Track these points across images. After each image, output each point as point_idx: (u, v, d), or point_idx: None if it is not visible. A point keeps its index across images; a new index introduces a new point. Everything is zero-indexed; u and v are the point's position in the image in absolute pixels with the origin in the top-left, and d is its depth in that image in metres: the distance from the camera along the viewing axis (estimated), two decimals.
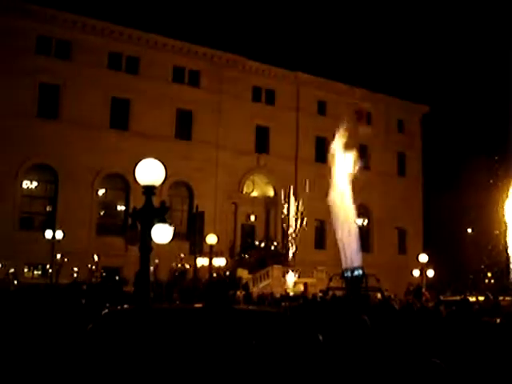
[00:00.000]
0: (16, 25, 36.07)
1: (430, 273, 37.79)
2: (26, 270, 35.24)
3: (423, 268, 35.24)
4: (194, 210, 31.65)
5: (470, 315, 10.37)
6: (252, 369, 6.49)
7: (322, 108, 48.09)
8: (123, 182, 38.64)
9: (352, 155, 30.16)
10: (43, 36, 37.62)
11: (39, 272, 35.47)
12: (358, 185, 28.31)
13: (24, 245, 33.24)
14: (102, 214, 40.16)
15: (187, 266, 33.79)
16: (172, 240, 8.76)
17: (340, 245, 28.12)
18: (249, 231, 45.53)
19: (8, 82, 35.46)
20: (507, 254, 30.93)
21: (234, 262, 40.75)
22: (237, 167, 43.45)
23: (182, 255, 30.83)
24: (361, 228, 33.09)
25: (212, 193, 41.62)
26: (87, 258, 33.58)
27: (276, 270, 40.02)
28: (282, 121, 45.84)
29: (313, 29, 41.66)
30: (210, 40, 41.50)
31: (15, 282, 27.81)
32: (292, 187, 44.53)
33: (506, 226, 30.21)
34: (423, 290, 30.30)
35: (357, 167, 30.24)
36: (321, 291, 24.56)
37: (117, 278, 34.67)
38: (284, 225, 43.48)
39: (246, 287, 31.13)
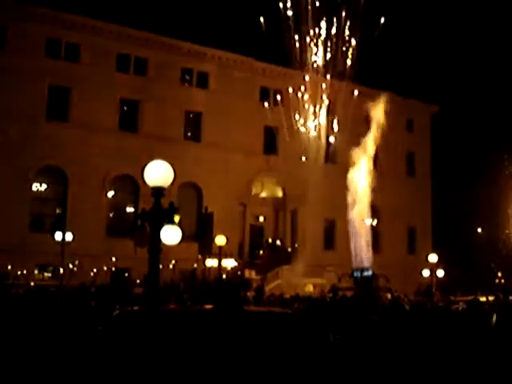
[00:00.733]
0: (25, 28, 36.29)
1: (440, 273, 37.60)
2: (36, 271, 35.36)
3: (433, 268, 35.10)
4: (203, 211, 31.75)
5: (481, 315, 10.30)
6: (263, 369, 6.47)
7: (329, 108, 47.86)
8: (132, 184, 38.70)
9: (366, 158, 30.15)
10: (52, 39, 37.79)
11: (49, 274, 35.59)
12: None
13: (34, 247, 33.39)
14: (111, 215, 40.27)
15: (195, 266, 33.85)
16: (181, 241, 8.76)
17: (351, 245, 28.15)
18: (258, 232, 45.51)
19: (18, 84, 35.63)
20: None
21: (244, 263, 40.71)
22: (245, 168, 43.43)
23: (199, 256, 30.75)
24: (370, 228, 33.03)
25: (221, 194, 41.61)
26: (97, 259, 33.68)
27: (286, 270, 40.00)
28: (291, 121, 45.71)
29: (320, 28, 41.53)
30: (217, 42, 41.54)
31: (31, 284, 27.89)
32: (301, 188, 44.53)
33: None
34: (433, 290, 30.20)
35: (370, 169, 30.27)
36: (330, 291, 24.51)
37: (125, 275, 34.71)
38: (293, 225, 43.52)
39: (259, 289, 30.93)
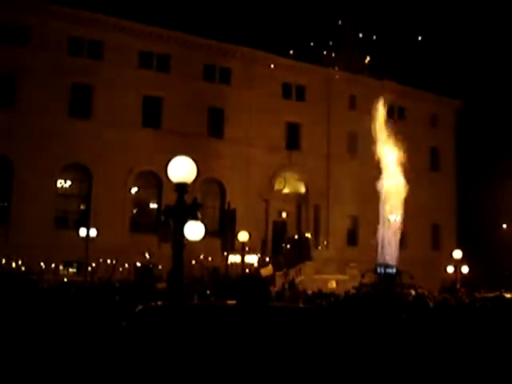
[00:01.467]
0: (49, 26, 36.64)
1: (465, 269, 37.29)
2: (61, 267, 35.71)
3: (457, 264, 34.82)
4: (226, 207, 31.82)
5: (506, 311, 10.20)
6: (288, 365, 6.47)
7: (353, 103, 47.73)
8: (156, 180, 38.90)
9: (396, 152, 29.99)
10: (75, 37, 38.09)
11: (74, 270, 35.94)
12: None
13: (59, 243, 33.73)
14: (134, 211, 40.51)
15: (218, 262, 33.89)
16: (204, 237, 8.79)
17: (379, 240, 28.04)
18: (280, 228, 45.47)
19: (41, 82, 36.01)
20: None
21: (269, 259, 40.64)
22: (268, 164, 43.40)
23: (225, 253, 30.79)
24: (395, 224, 32.85)
25: (244, 190, 41.65)
26: (121, 255, 33.91)
27: (308, 267, 39.91)
28: (313, 117, 45.62)
29: (343, 22, 41.31)
30: (239, 37, 41.50)
31: (56, 279, 28.14)
32: (324, 184, 44.46)
33: None
34: (458, 286, 29.96)
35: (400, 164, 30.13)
36: (354, 288, 24.39)
37: (149, 270, 34.88)
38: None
39: (291, 285, 30.72)
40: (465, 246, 40.04)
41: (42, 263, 30.05)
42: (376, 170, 34.28)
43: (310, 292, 26.47)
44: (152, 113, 40.37)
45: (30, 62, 35.96)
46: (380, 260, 27.45)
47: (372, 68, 42.09)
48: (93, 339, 8.41)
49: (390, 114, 49.68)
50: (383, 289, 20.96)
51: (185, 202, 7.24)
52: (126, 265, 33.96)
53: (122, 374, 6.98)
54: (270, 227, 44.42)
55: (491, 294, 19.32)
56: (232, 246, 27.03)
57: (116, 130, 38.12)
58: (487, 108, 54.06)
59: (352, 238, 46.69)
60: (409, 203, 47.23)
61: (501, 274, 44.42)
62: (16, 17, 35.92)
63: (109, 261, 32.34)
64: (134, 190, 40.18)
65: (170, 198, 7.67)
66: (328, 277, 38.29)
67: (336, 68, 44.26)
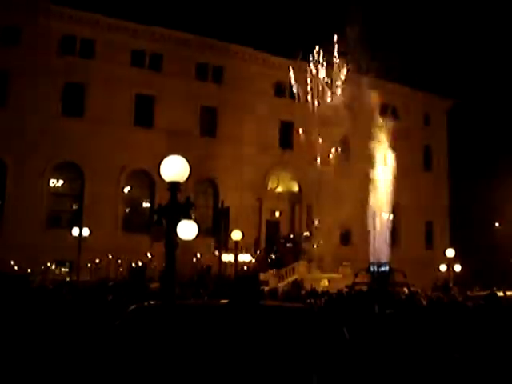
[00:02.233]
0: (40, 25, 36.50)
1: (458, 268, 37.45)
2: (53, 267, 35.60)
3: (450, 263, 34.95)
4: (219, 206, 31.81)
5: (499, 310, 10.22)
6: (279, 364, 6.47)
7: (346, 102, 47.64)
8: (148, 179, 38.85)
9: (389, 151, 30.08)
10: (67, 36, 37.96)
11: (67, 269, 35.84)
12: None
13: (51, 242, 33.64)
14: (127, 211, 40.44)
15: (211, 261, 33.89)
16: (197, 236, 8.77)
17: (370, 239, 28.10)
18: (274, 227, 45.47)
19: (33, 81, 35.86)
20: None
21: (260, 258, 40.64)
22: (261, 163, 43.39)
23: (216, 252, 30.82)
24: (387, 223, 32.91)
25: (237, 189, 41.63)
26: (113, 255, 33.84)
27: (301, 265, 39.95)
28: (306, 116, 45.55)
29: (333, 21, 41.36)
30: (232, 36, 41.44)
31: (48, 279, 28.08)
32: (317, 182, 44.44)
33: None
34: (451, 285, 30.06)
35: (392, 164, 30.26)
36: (346, 286, 24.42)
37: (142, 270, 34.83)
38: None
39: (298, 284, 30.64)
40: (457, 245, 40.18)
41: (34, 263, 29.97)
42: (369, 169, 34.31)
43: (303, 291, 26.52)
44: (144, 111, 40.30)
45: (21, 61, 35.82)
46: (373, 259, 27.46)
47: (365, 67, 42.07)
48: (85, 339, 8.39)
49: (383, 112, 49.79)
50: (376, 287, 20.99)
51: (177, 201, 7.22)
52: (119, 263, 33.91)
53: (115, 374, 6.97)
54: (264, 226, 44.43)
55: (483, 293, 19.39)
56: (225, 245, 27.01)
57: (108, 129, 38.03)
58: (479, 107, 54.26)
59: (345, 237, 46.74)
60: (402, 202, 47.45)
61: (493, 272, 44.59)
62: (7, 16, 35.78)
63: (99, 260, 32.36)
64: (126, 189, 40.11)
65: (162, 197, 7.66)
66: (321, 276, 38.36)
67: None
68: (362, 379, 6.91)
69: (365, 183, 35.23)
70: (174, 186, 7.24)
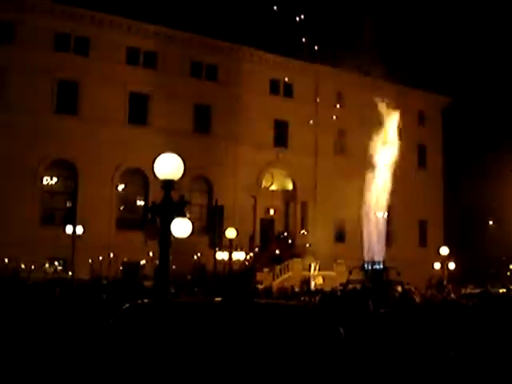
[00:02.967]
0: (34, 22, 36.32)
1: (452, 265, 37.57)
2: (47, 265, 35.50)
3: (444, 261, 35.03)
4: (214, 204, 31.77)
5: (492, 307, 10.26)
6: (273, 362, 6.46)
7: (341, 100, 47.76)
8: (142, 177, 38.79)
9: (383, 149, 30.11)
10: (61, 33, 37.81)
11: (60, 267, 35.75)
12: None
13: (45, 240, 33.55)
14: (121, 208, 40.38)
15: (206, 259, 33.90)
16: (191, 234, 8.76)
17: (364, 237, 28.10)
18: (268, 225, 45.51)
19: (27, 78, 35.71)
20: None
21: (254, 256, 40.67)
22: (256, 161, 43.37)
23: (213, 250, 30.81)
24: (382, 221, 32.95)
25: (231, 187, 41.61)
26: (107, 252, 33.79)
27: (296, 263, 40.01)
28: (301, 114, 45.61)
29: (329, 20, 41.35)
30: (227, 34, 41.37)
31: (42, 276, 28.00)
32: (312, 181, 44.54)
33: None
34: (445, 282, 30.14)
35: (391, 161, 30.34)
36: (341, 284, 24.47)
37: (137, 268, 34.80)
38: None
39: (306, 283, 30.64)
40: (451, 243, 40.29)
41: (28, 260, 29.90)
42: (363, 167, 34.29)
43: (297, 288, 26.57)
44: (139, 109, 40.19)
45: (15, 59, 35.64)
46: (367, 257, 27.50)
47: (359, 65, 42.12)
48: (79, 337, 8.37)
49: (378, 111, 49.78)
50: (370, 285, 21.03)
51: (171, 199, 7.20)
52: (114, 261, 33.84)
53: (109, 373, 6.95)
54: (258, 224, 44.44)
55: (477, 290, 19.47)
56: (220, 242, 27.00)
57: (102, 127, 37.92)
58: (474, 105, 54.37)
59: (339, 235, 46.79)
60: (396, 200, 47.49)
61: (487, 269, 44.74)
62: (0, 13, 35.58)
63: (93, 258, 32.30)
64: (120, 187, 40.02)
65: (156, 195, 7.64)
66: (315, 273, 38.42)
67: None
68: (357, 377, 6.91)
69: (359, 181, 35.21)
70: (168, 183, 7.22)
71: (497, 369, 7.17)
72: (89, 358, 7.28)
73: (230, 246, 24.74)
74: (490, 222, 55.50)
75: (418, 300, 16.33)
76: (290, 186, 46.62)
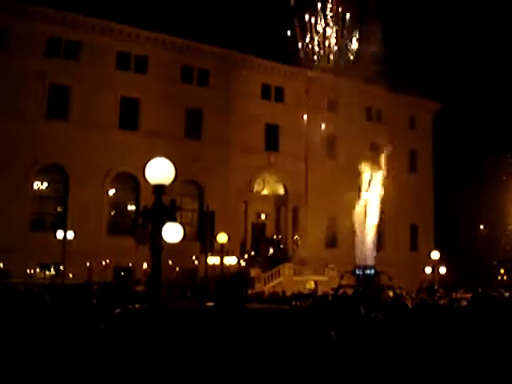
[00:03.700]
0: (26, 27, 36.22)
1: (443, 270, 37.66)
2: (38, 270, 35.35)
3: (435, 265, 35.10)
4: (205, 209, 31.73)
5: (484, 311, 10.26)
6: (264, 366, 6.45)
7: (332, 106, 47.89)
8: (133, 182, 38.72)
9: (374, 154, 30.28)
10: (52, 37, 37.73)
11: (51, 272, 35.60)
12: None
13: (36, 245, 33.40)
14: (112, 213, 40.27)
15: (197, 264, 33.87)
16: (183, 239, 8.73)
17: (356, 241, 28.18)
18: (259, 230, 45.51)
19: (18, 83, 35.58)
20: None
21: (245, 261, 40.66)
22: (247, 166, 43.38)
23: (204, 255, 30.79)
24: (373, 225, 33.04)
25: (222, 192, 41.58)
26: (98, 257, 33.68)
27: (287, 268, 40.02)
28: (292, 119, 45.69)
29: (319, 25, 41.47)
30: (218, 39, 41.40)
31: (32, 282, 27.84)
32: (303, 185, 44.59)
33: None
34: (436, 287, 30.18)
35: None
36: (332, 289, 24.47)
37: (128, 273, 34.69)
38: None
39: (314, 292, 30.53)
40: (442, 247, 40.41)
41: (18, 266, 29.73)
42: (354, 172, 34.40)
43: (289, 293, 26.53)
44: (129, 114, 40.13)
45: (6, 63, 35.51)
46: (359, 261, 27.55)
47: (351, 71, 42.24)
48: (71, 343, 8.32)
49: (368, 116, 50.08)
50: (362, 290, 21.02)
51: (162, 204, 7.18)
52: (105, 266, 33.74)
53: (101, 378, 6.92)
54: (249, 229, 44.43)
55: (468, 295, 19.49)
56: (211, 247, 26.95)
57: (93, 132, 37.83)
58: (465, 110, 54.65)
59: (331, 240, 46.85)
60: (387, 205, 47.63)
61: (478, 274, 44.88)
62: None
63: (84, 263, 32.17)
64: (111, 191, 39.92)
65: (147, 199, 7.61)
66: (307, 278, 38.45)
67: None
68: (348, 380, 6.91)
69: (351, 186, 35.29)
70: (159, 188, 7.20)
71: (494, 374, 7.17)
72: (80, 365, 7.25)
73: (222, 251, 24.67)
74: (481, 227, 55.74)
75: (409, 304, 16.33)
76: (282, 191, 46.66)
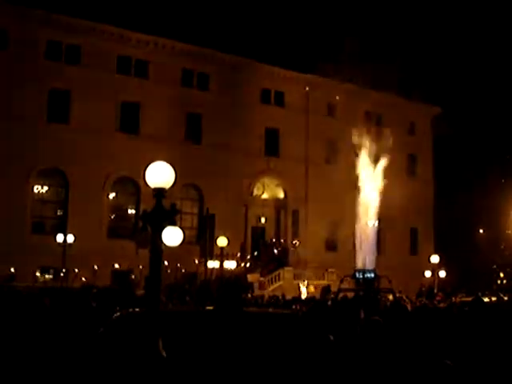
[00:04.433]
0: (26, 31, 36.29)
1: (442, 274, 37.67)
2: (38, 273, 35.36)
3: (435, 269, 35.12)
4: (205, 212, 31.77)
5: (484, 315, 10.28)
6: (263, 370, 6.46)
7: (332, 110, 47.97)
8: (133, 186, 38.72)
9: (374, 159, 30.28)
10: (53, 41, 37.79)
11: (51, 276, 35.61)
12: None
13: (36, 249, 33.39)
14: (112, 217, 40.27)
15: (197, 268, 33.85)
16: (183, 243, 8.76)
17: (356, 245, 28.17)
18: (259, 234, 45.51)
19: (19, 87, 35.63)
20: None
21: (245, 265, 40.63)
22: (247, 170, 43.41)
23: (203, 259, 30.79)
24: (374, 229, 33.06)
25: (222, 195, 41.57)
26: (98, 261, 33.68)
27: (287, 272, 40.01)
28: (292, 123, 45.74)
29: (322, 30, 41.62)
30: (218, 43, 41.47)
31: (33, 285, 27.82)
32: (302, 189, 44.62)
33: None
34: (435, 291, 30.19)
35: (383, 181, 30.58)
36: (332, 293, 24.47)
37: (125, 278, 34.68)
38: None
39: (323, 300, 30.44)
40: (442, 251, 40.43)
41: (18, 269, 29.76)
42: (354, 176, 34.40)
43: (289, 297, 26.54)
44: (130, 118, 40.17)
45: (6, 67, 35.59)
46: (358, 265, 27.54)
47: (350, 75, 42.29)
48: (69, 346, 8.33)
49: (368, 120, 50.04)
50: (362, 294, 21.02)
51: (163, 208, 7.20)
52: (105, 269, 33.75)
53: (99, 381, 6.93)
54: (249, 232, 44.44)
55: (468, 298, 19.49)
56: (211, 251, 26.98)
57: (94, 136, 37.85)
58: (464, 115, 54.65)
59: (331, 244, 46.84)
60: (387, 209, 47.58)
61: (478, 278, 44.86)
62: None
63: (84, 266, 32.16)
64: (111, 195, 39.95)
65: (147, 203, 7.64)
66: (307, 282, 38.40)
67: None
68: (346, 382, 6.91)
69: (350, 190, 35.32)
70: (160, 192, 7.22)
71: (493, 377, 7.19)
72: (79, 368, 7.26)
73: (222, 255, 24.69)
74: (481, 231, 55.71)
75: (409, 308, 16.33)
76: (281, 195, 46.68)
